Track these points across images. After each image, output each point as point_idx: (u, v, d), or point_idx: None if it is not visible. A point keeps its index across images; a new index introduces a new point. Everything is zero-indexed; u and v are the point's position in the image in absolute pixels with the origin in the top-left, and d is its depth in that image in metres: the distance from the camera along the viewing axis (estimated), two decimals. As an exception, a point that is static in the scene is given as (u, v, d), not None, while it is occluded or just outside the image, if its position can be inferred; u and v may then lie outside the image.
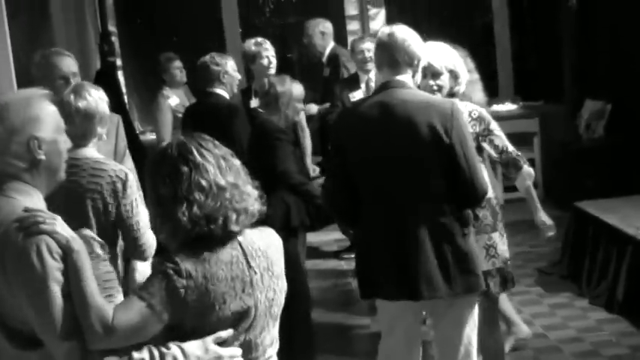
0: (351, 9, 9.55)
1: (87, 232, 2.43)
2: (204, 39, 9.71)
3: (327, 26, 7.75)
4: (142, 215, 3.46)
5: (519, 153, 4.17)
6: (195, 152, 2.37)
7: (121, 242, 3.54)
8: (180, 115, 6.44)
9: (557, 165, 8.32)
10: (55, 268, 2.22)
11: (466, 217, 3.70)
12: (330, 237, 7.75)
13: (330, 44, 7.73)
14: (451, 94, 4.04)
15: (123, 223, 3.47)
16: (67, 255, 2.24)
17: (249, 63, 6.64)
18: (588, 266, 6.12)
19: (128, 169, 3.68)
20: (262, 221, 2.51)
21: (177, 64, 7.40)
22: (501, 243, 4.14)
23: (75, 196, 3.38)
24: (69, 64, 4.22)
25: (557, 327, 5.51)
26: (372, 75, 6.63)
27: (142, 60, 9.62)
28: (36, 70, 4.25)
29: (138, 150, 6.15)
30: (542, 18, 9.49)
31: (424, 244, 3.58)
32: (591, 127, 8.10)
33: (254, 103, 6.43)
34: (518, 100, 9.34)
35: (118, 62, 9.24)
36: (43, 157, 2.38)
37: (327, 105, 7.27)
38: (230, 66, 5.72)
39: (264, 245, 2.48)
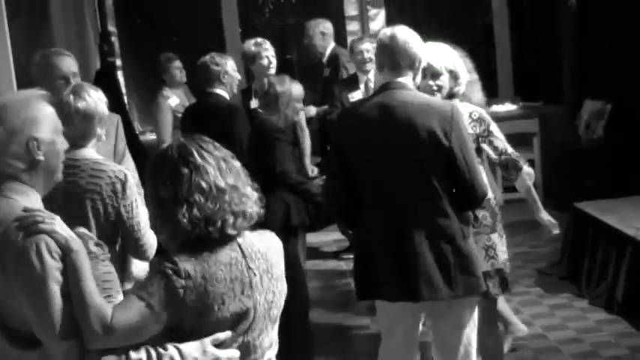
0: (351, 9, 9.53)
1: (81, 230, 2.43)
2: (204, 39, 9.70)
3: (327, 27, 7.75)
4: (142, 215, 3.46)
5: (518, 154, 4.17)
6: (196, 154, 2.37)
7: (121, 242, 3.54)
8: (180, 116, 6.43)
9: (556, 165, 8.31)
10: (54, 267, 2.23)
11: (466, 217, 3.71)
12: (329, 237, 7.75)
13: (331, 45, 7.73)
14: (451, 95, 4.03)
15: (123, 223, 3.47)
16: (67, 255, 2.25)
17: (249, 63, 6.63)
18: (588, 267, 6.12)
19: (129, 169, 3.68)
20: (262, 221, 2.51)
21: (177, 64, 7.38)
22: (500, 244, 4.14)
23: (74, 197, 3.38)
24: (69, 64, 4.21)
25: (557, 327, 5.51)
26: (371, 75, 6.64)
27: (142, 60, 9.61)
28: (36, 70, 4.24)
29: (137, 150, 6.14)
30: (542, 18, 9.48)
31: (424, 245, 3.58)
32: (591, 127, 8.09)
33: (254, 103, 6.43)
34: (517, 100, 9.32)
35: (118, 62, 9.23)
36: (41, 157, 2.38)
37: (326, 107, 7.27)
38: (230, 66, 5.71)
39: (264, 248, 2.47)
